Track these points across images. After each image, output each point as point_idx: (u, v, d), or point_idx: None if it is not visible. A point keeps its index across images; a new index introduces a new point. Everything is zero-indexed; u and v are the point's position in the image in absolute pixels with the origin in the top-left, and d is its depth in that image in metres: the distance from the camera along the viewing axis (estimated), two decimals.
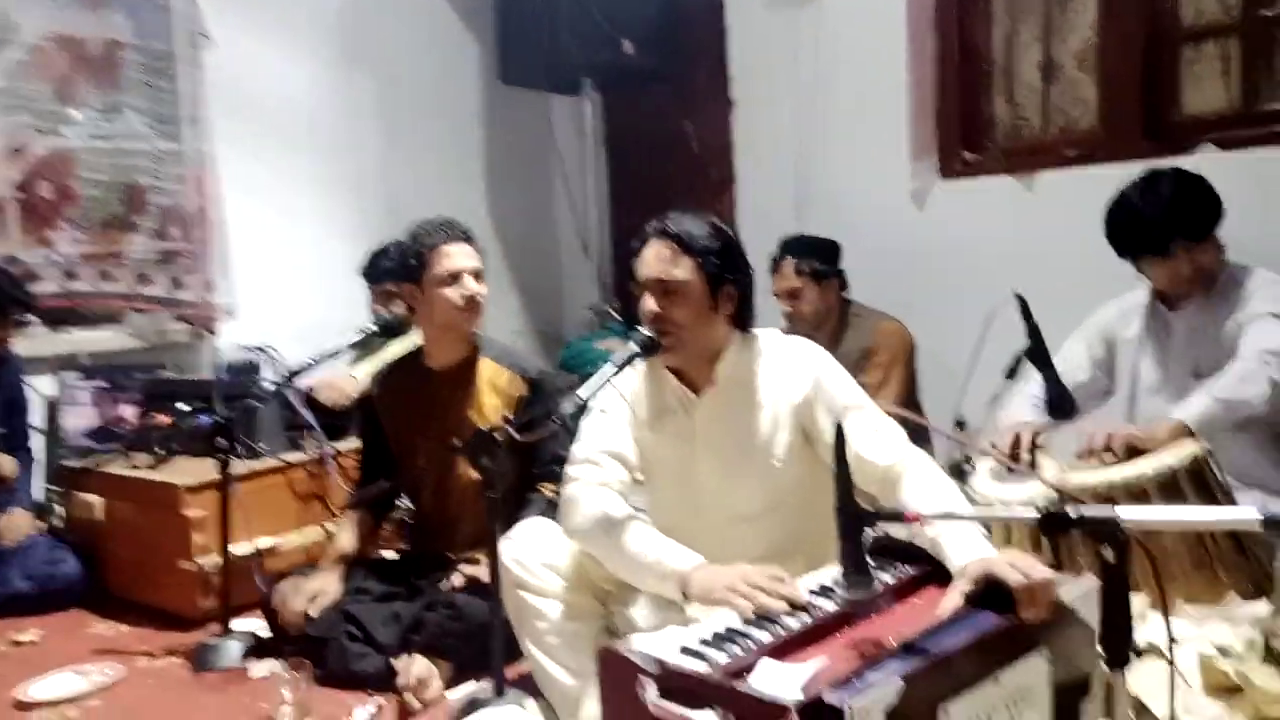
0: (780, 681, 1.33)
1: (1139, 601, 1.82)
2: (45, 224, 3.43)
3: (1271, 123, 3.03)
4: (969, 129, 3.70)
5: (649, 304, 1.94)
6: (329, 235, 4.06)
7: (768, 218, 3.89)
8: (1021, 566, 1.51)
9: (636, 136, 4.68)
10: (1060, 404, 2.08)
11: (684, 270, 1.92)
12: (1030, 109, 3.64)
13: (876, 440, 1.88)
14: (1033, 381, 2.29)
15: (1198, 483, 1.95)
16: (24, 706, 2.28)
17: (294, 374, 2.54)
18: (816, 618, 1.55)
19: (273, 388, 2.83)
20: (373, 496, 2.56)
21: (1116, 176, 2.49)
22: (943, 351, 2.18)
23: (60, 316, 3.53)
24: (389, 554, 2.82)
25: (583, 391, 1.86)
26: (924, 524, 1.68)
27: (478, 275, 2.47)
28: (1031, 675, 1.49)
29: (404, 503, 2.89)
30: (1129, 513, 1.23)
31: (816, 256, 3.08)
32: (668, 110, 4.49)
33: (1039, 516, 1.29)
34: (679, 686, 1.38)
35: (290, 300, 3.84)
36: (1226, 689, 1.58)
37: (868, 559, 1.47)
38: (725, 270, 1.95)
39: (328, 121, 4.16)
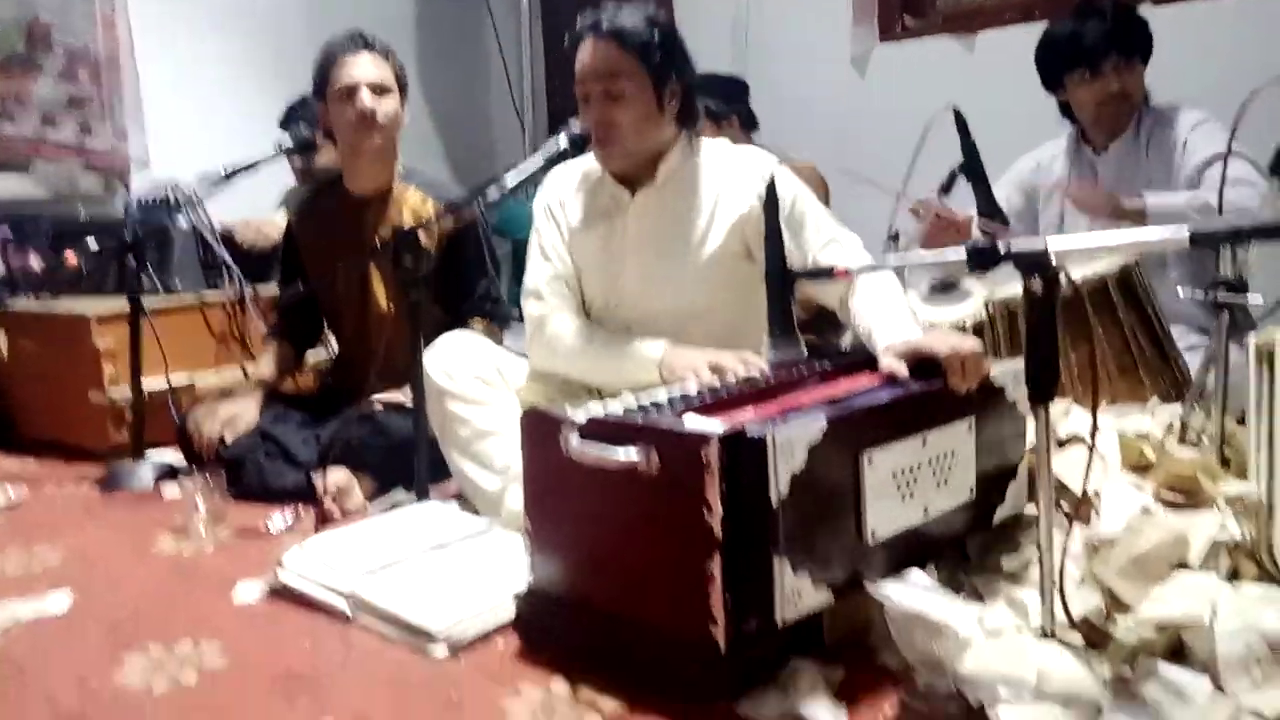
0: (704, 424, 1.31)
1: (1061, 404, 1.84)
2: None
3: None
4: None
5: (591, 109, 1.86)
6: (247, 87, 3.87)
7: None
8: (950, 339, 1.51)
9: (573, 3, 4.53)
10: (991, 218, 2.08)
11: (625, 71, 1.83)
12: None
13: (833, 251, 1.84)
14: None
15: (1127, 291, 1.97)
16: None
17: (204, 183, 2.41)
18: (745, 388, 1.53)
19: (186, 223, 2.70)
20: (292, 298, 2.47)
21: None
22: (885, 203, 2.17)
23: None
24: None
25: (509, 178, 1.80)
26: (854, 289, 1.67)
27: (379, 89, 2.34)
28: (958, 441, 1.50)
29: (330, 348, 2.82)
30: (1056, 242, 1.21)
31: (713, 94, 2.96)
32: None
33: (968, 253, 1.27)
34: (601, 432, 1.35)
35: (206, 152, 3.62)
36: (1142, 466, 1.61)
37: (794, 319, 1.46)
38: (668, 65, 1.87)
39: None
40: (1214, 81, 2.65)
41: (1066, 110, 2.50)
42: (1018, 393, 1.58)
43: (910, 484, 1.42)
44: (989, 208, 2.09)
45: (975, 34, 3.40)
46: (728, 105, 3.00)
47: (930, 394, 1.47)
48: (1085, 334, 1.90)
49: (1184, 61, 2.68)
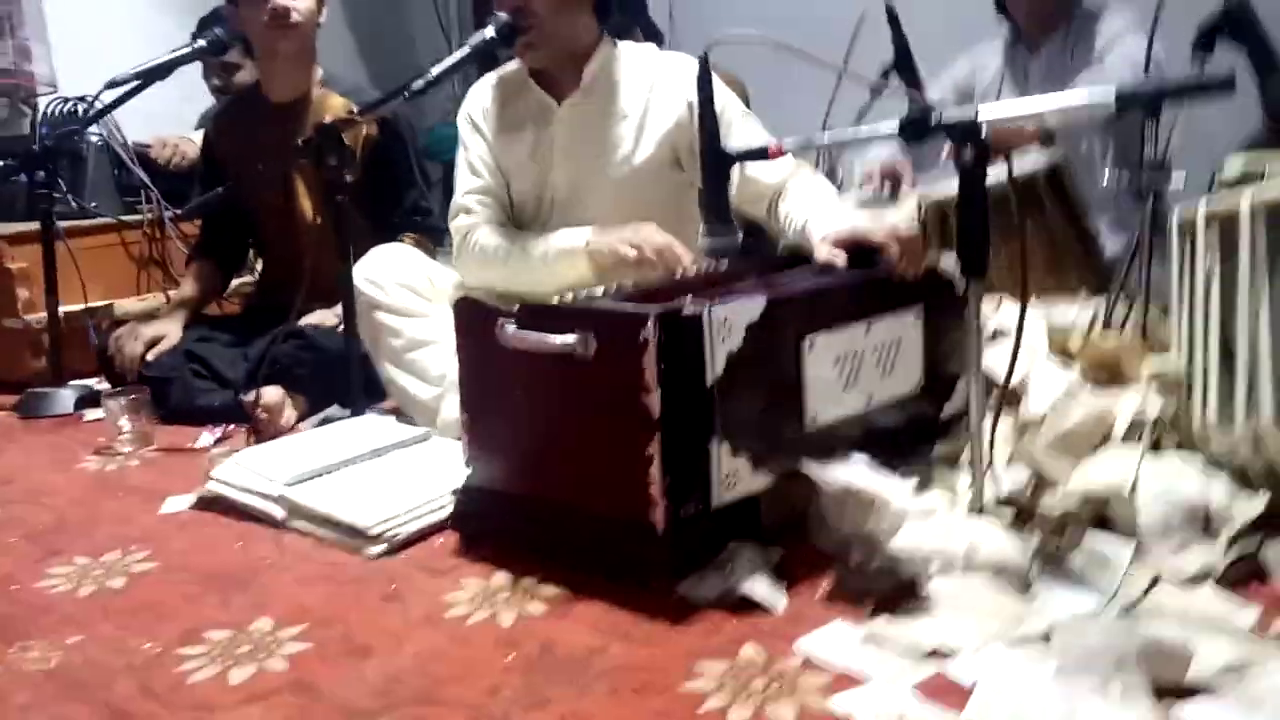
0: (640, 306, 1.29)
1: (993, 298, 1.86)
2: None
3: None
4: None
5: None
6: (158, 4, 3.70)
7: None
8: (886, 224, 1.51)
9: None
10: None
11: None
12: None
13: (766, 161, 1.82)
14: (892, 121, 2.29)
15: (1055, 188, 1.99)
16: None
17: (112, 87, 2.30)
18: (683, 278, 1.53)
19: (98, 138, 2.58)
20: (212, 206, 2.39)
21: None
22: (817, 96, 2.14)
23: None
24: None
25: (434, 70, 1.75)
26: (785, 191, 1.67)
27: None
28: (903, 331, 1.50)
29: (254, 271, 2.74)
30: (986, 111, 1.21)
31: None
32: None
33: (899, 127, 1.26)
34: (536, 319, 1.33)
35: (117, 72, 3.51)
36: (1068, 354, 1.64)
37: (730, 208, 1.45)
38: None
39: None
40: None
41: (1001, 6, 2.50)
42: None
43: (854, 371, 1.43)
44: (921, 110, 2.09)
45: None
46: (628, 18, 2.93)
47: (875, 281, 1.47)
48: (1015, 230, 1.92)
49: None
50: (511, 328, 1.34)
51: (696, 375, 1.24)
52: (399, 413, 2.01)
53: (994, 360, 1.66)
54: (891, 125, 1.28)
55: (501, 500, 1.42)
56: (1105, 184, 1.76)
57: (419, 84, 1.72)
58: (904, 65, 2.08)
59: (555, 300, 1.43)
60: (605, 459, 1.28)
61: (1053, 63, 2.43)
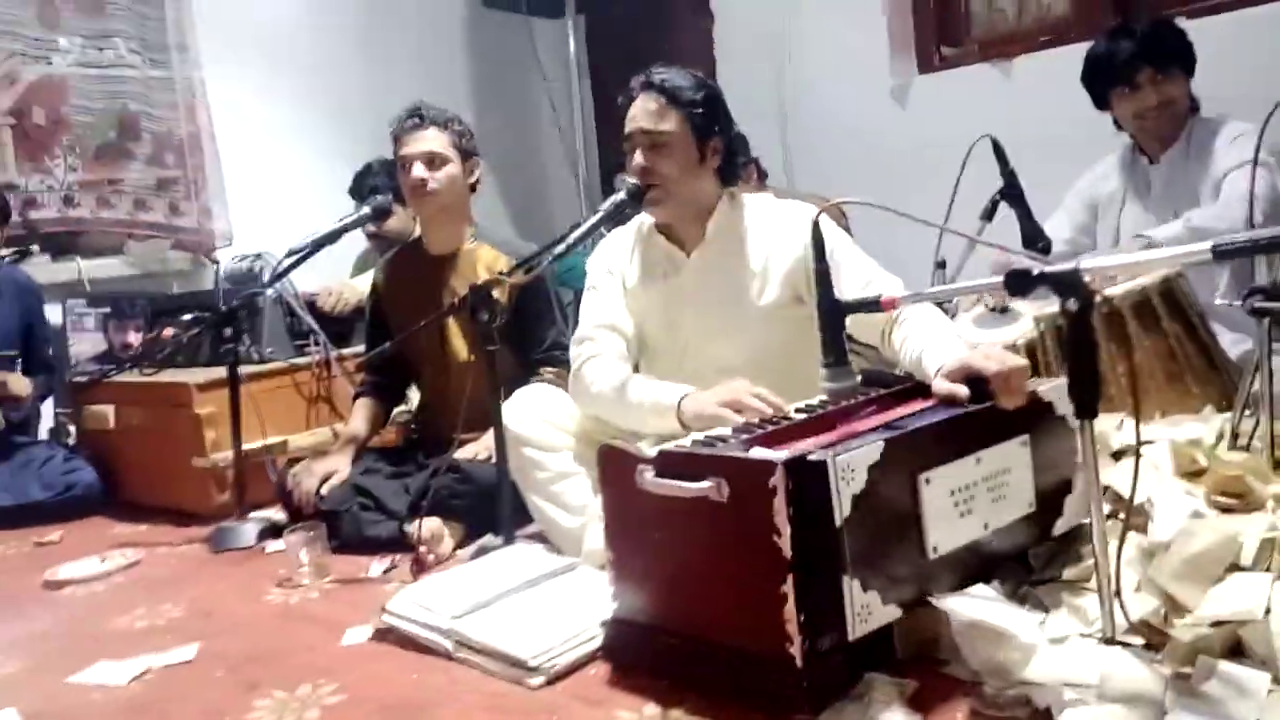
0: (768, 452, 1.41)
1: (1113, 418, 1.90)
2: (41, 151, 3.50)
3: None
4: (946, 23, 3.75)
5: (638, 157, 2.00)
6: (319, 158, 4.12)
7: (751, 127, 3.92)
8: (996, 356, 1.59)
9: (619, 56, 4.72)
10: (1034, 241, 2.16)
11: (671, 122, 1.97)
12: (1005, 0, 3.69)
13: (872, 290, 1.92)
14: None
15: (1169, 302, 2.03)
16: (53, 585, 2.36)
17: (291, 255, 2.59)
18: (802, 419, 1.63)
19: (269, 286, 2.89)
20: (381, 357, 2.63)
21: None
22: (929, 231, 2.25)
23: (61, 245, 3.60)
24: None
25: (573, 235, 1.94)
26: (896, 322, 1.76)
27: (430, 160, 2.52)
28: (1011, 459, 1.58)
29: (409, 402, 2.98)
30: (1089, 261, 1.30)
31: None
32: (649, 28, 4.53)
33: (1004, 279, 1.36)
34: (674, 467, 1.46)
35: (283, 223, 3.86)
36: (1194, 472, 1.67)
37: (847, 349, 1.55)
38: (711, 122, 2.01)
39: (311, 44, 4.22)
40: (1258, 91, 2.72)
41: (1120, 125, 2.57)
42: (1067, 408, 1.65)
43: (968, 501, 1.50)
44: (1031, 230, 2.17)
45: (1012, 60, 3.48)
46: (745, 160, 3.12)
47: (982, 414, 1.56)
48: (1131, 346, 1.96)
49: (1234, 71, 2.74)
50: (650, 474, 1.48)
51: (825, 516, 1.34)
52: (544, 538, 2.16)
53: (1117, 479, 1.70)
54: (997, 279, 1.37)
55: (647, 633, 1.54)
56: (1218, 301, 1.79)
57: (560, 248, 1.91)
58: (1012, 193, 2.17)
59: (688, 441, 1.56)
60: (743, 596, 1.39)
61: (1174, 172, 2.47)
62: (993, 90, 3.51)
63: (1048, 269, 1.33)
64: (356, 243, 3.68)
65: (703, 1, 4.31)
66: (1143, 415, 1.92)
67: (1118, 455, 1.83)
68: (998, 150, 2.17)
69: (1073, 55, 2.68)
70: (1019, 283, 1.35)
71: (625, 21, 4.64)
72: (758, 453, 1.42)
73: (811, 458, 1.35)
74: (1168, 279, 2.04)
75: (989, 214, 2.23)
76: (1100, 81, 2.51)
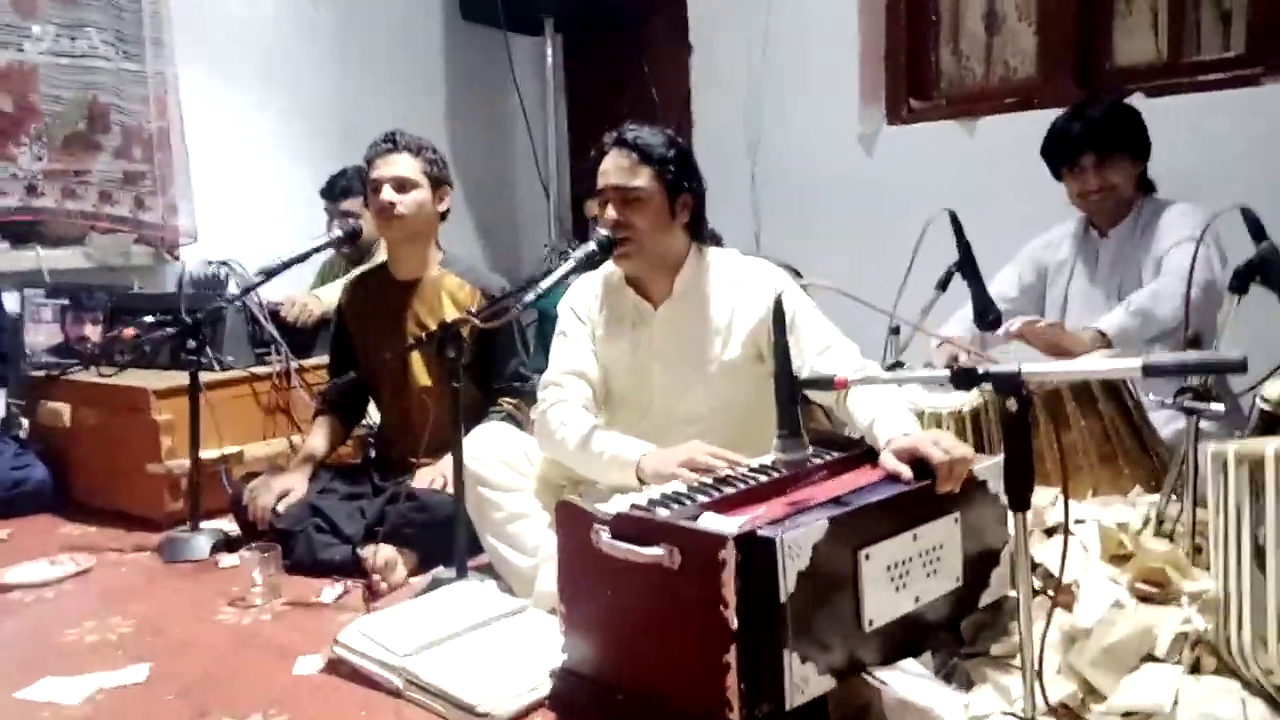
0: (720, 524, 1.48)
1: (1048, 493, 1.99)
2: (7, 138, 3.46)
3: (1194, 73, 3.23)
4: (916, 77, 3.86)
5: (609, 211, 2.05)
6: (288, 161, 4.13)
7: (722, 160, 4.02)
8: (944, 444, 1.67)
9: (596, 78, 4.78)
10: (985, 314, 2.24)
11: (642, 178, 2.03)
12: (975, 58, 3.80)
13: (830, 357, 1.99)
14: (966, 304, 2.46)
15: (1107, 388, 2.13)
16: (2, 589, 2.36)
17: (263, 275, 2.62)
18: (755, 483, 1.70)
19: (237, 300, 2.90)
20: (343, 387, 2.66)
21: (1050, 120, 2.65)
22: (888, 281, 2.32)
23: (22, 233, 3.57)
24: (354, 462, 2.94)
25: (543, 284, 1.99)
26: (849, 390, 1.84)
27: (400, 185, 2.56)
28: (944, 534, 1.66)
29: (369, 419, 3.01)
30: (1030, 367, 1.39)
31: None
32: (628, 53, 4.59)
33: (950, 373, 1.44)
34: (629, 530, 1.52)
35: (250, 224, 3.89)
36: (1121, 556, 1.76)
37: (800, 422, 1.63)
38: (681, 179, 2.07)
39: (287, 49, 4.21)
40: (1219, 169, 2.85)
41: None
42: (999, 485, 1.74)
43: (903, 575, 1.58)
44: (982, 304, 2.26)
45: (977, 119, 3.59)
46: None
47: (921, 490, 1.64)
48: (1069, 424, 2.06)
49: (1194, 150, 2.86)
50: (606, 535, 1.54)
51: (770, 591, 1.41)
52: (494, 572, 2.21)
53: (1048, 555, 1.80)
54: (943, 373, 1.45)
55: (594, 686, 1.60)
56: (1151, 397, 1.89)
57: (530, 296, 1.96)
58: (965, 265, 2.26)
59: (645, 499, 1.62)
60: (687, 660, 1.45)
61: (1122, 248, 2.58)
62: (957, 146, 3.62)
63: (992, 369, 1.42)
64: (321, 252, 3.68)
65: (682, 32, 4.37)
66: (1076, 493, 2.02)
67: (1050, 531, 1.92)
68: (955, 223, 2.25)
69: (1036, 120, 2.78)
70: (965, 380, 1.43)
71: (604, 45, 4.69)
72: (710, 521, 1.49)
73: (761, 533, 1.42)
74: None
75: (943, 284, 2.32)
76: (1052, 158, 2.62)
